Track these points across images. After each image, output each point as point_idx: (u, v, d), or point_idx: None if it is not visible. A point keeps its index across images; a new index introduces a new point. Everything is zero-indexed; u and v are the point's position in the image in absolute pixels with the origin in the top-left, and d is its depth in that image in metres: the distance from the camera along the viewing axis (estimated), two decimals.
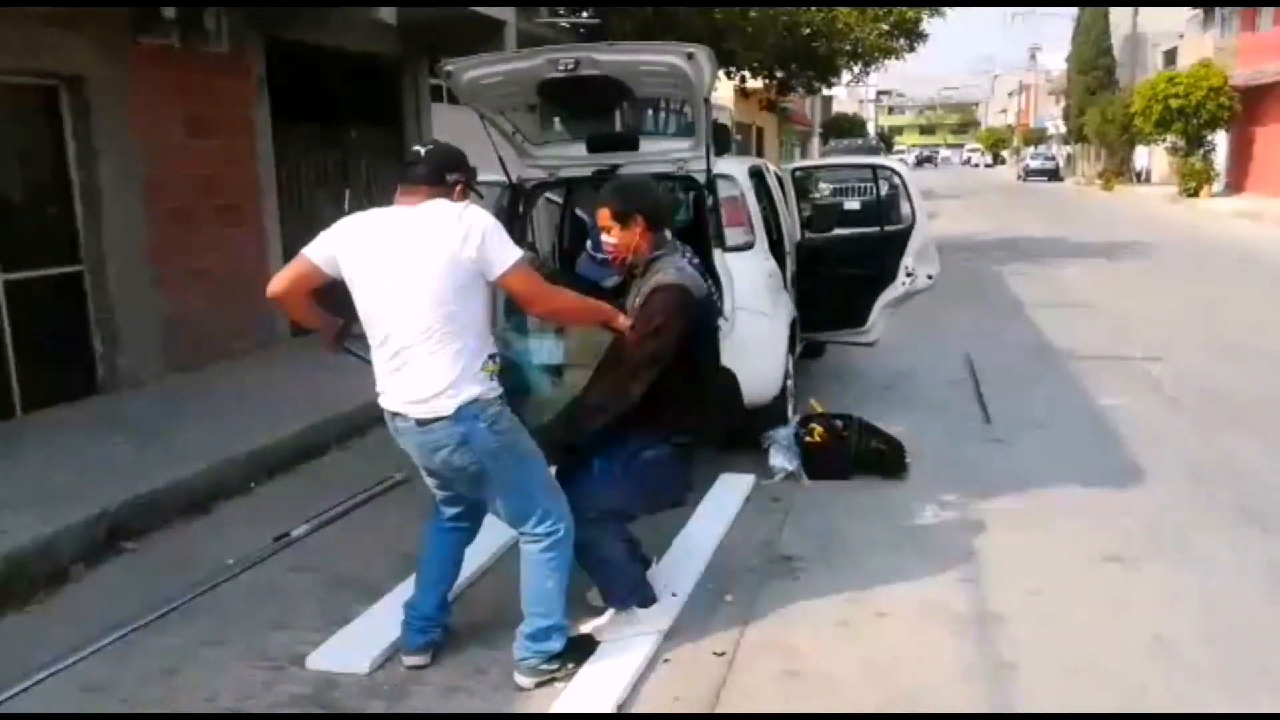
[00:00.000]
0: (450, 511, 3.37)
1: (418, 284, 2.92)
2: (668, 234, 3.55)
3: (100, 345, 6.71)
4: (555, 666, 3.20)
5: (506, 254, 2.97)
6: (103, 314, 6.70)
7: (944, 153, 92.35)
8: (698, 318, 3.38)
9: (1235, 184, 29.96)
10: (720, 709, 3.09)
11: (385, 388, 3.07)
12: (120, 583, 4.07)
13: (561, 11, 13.22)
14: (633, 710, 3.08)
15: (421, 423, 2.99)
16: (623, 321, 3.34)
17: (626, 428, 3.35)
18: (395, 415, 3.07)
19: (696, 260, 3.61)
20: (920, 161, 73.27)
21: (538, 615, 3.19)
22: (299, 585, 4.00)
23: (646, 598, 3.51)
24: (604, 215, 3.45)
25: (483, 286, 3.00)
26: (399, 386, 3.02)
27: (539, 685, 3.18)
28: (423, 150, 3.12)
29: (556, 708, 3.06)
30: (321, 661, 3.35)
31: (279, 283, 3.13)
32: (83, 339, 6.66)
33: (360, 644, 3.42)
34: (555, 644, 3.20)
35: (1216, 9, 32.58)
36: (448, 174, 3.09)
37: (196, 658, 3.42)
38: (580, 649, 3.30)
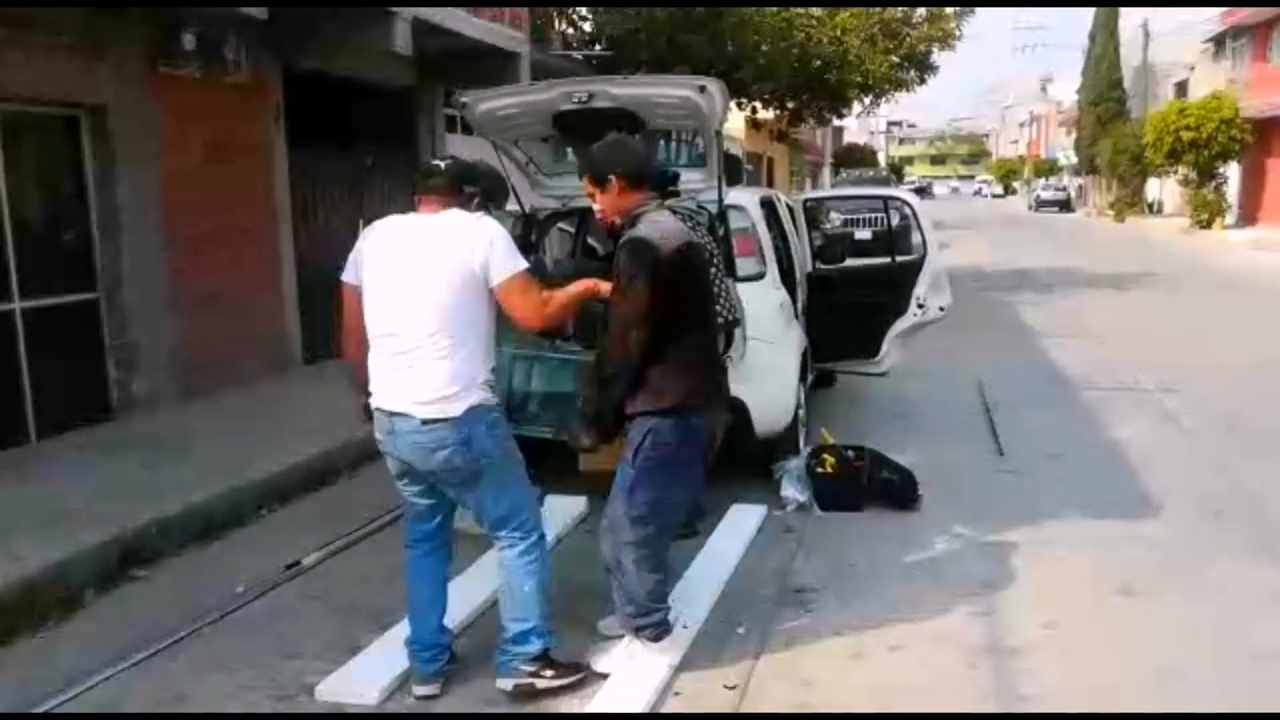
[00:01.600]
0: (423, 530, 3.36)
1: (431, 288, 3.02)
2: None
3: (115, 370, 6.76)
4: (534, 668, 3.24)
5: (511, 263, 3.07)
6: (118, 339, 6.75)
7: (953, 183, 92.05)
8: (666, 268, 3.17)
9: (1248, 215, 29.89)
10: None
11: (386, 388, 3.11)
12: (132, 608, 4.07)
13: (574, 45, 13.37)
14: None
15: (426, 422, 3.03)
16: (605, 287, 3.34)
17: (635, 402, 3.27)
18: (395, 415, 3.08)
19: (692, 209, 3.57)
20: (917, 192, 71.29)
21: (516, 620, 3.23)
22: (310, 613, 4.00)
23: (659, 633, 3.40)
24: (585, 182, 3.40)
25: (490, 295, 3.08)
26: (405, 386, 3.06)
27: (517, 688, 3.23)
28: (441, 164, 3.24)
29: None
30: (331, 691, 3.33)
31: (344, 318, 3.26)
32: (98, 364, 6.70)
33: (370, 674, 3.41)
34: (534, 647, 3.23)
35: (1228, 42, 32.68)
36: (465, 185, 3.23)
37: (206, 685, 3.41)
38: (569, 668, 3.32)
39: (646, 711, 3.17)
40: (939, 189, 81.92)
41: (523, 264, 3.11)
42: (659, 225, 3.28)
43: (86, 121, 6.58)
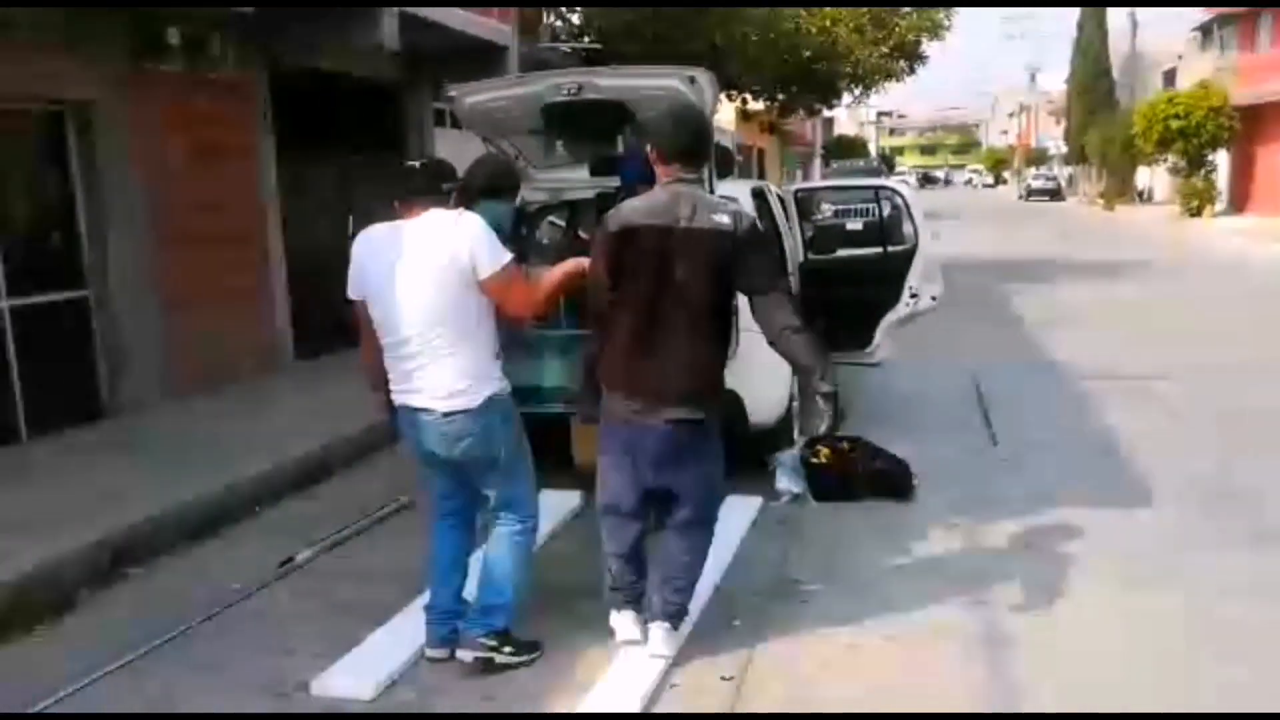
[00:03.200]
0: (449, 506, 3.54)
1: (431, 289, 3.16)
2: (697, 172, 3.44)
3: (105, 369, 6.72)
4: (495, 644, 3.38)
5: (496, 256, 3.19)
6: (108, 338, 6.71)
7: (940, 172, 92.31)
8: (611, 242, 3.28)
9: (1237, 203, 30.01)
10: None
11: (406, 387, 3.27)
12: (125, 608, 4.05)
13: (563, 38, 13.33)
14: None
15: (448, 415, 3.21)
16: (586, 263, 3.45)
17: None
18: (419, 411, 3.25)
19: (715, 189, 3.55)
20: (926, 182, 72.31)
21: (492, 591, 3.40)
22: (304, 610, 3.98)
23: (618, 604, 3.54)
24: None
25: (480, 289, 3.21)
26: (423, 384, 3.23)
27: (477, 660, 3.35)
28: (418, 164, 3.38)
29: None
30: (326, 687, 3.33)
31: (360, 328, 3.38)
32: (88, 363, 6.66)
33: (365, 670, 3.40)
34: (498, 621, 3.39)
35: (1215, 30, 32.76)
36: (443, 184, 3.35)
37: (200, 684, 3.40)
38: (527, 645, 3.47)
39: (641, 711, 3.16)
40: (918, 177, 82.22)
41: (507, 256, 3.21)
42: (639, 200, 3.34)
43: (72, 119, 6.53)
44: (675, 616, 3.50)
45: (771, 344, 3.38)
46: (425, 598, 3.57)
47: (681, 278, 3.24)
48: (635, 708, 3.14)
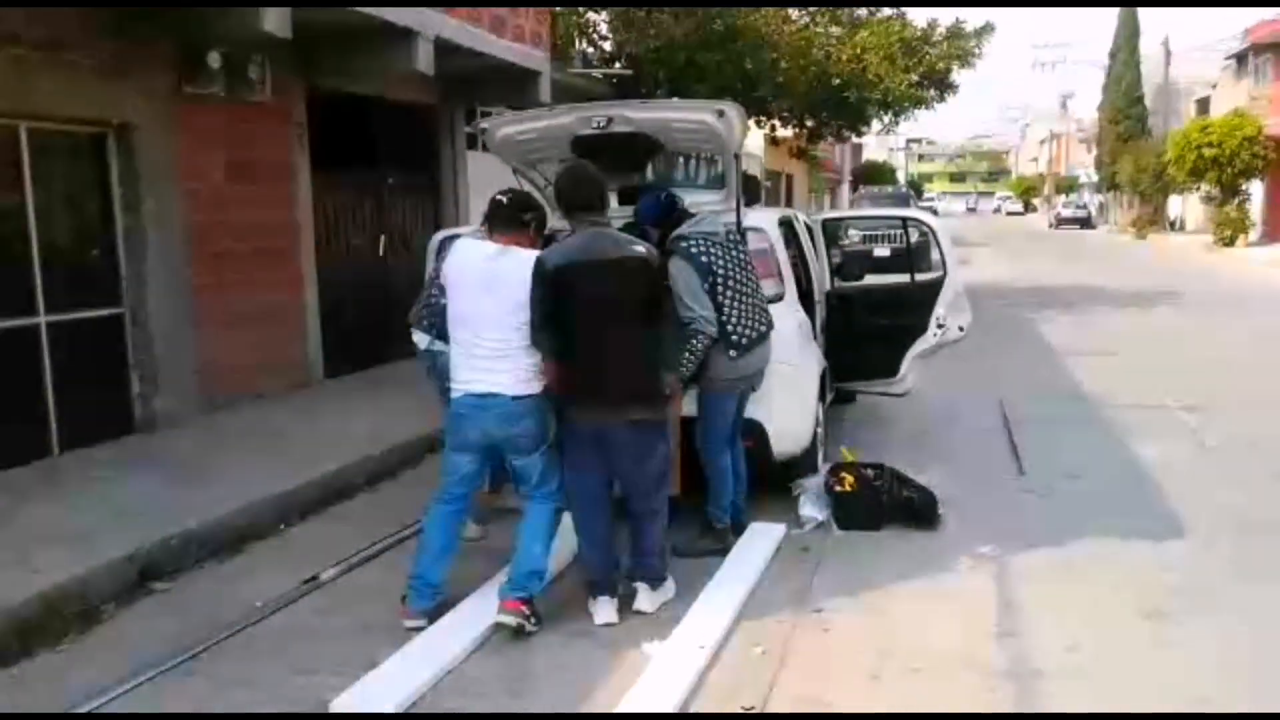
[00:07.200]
0: (458, 492, 4.02)
1: (513, 306, 3.81)
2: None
3: (138, 385, 6.81)
4: (528, 612, 3.83)
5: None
6: (141, 354, 6.80)
7: (970, 200, 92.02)
8: (547, 282, 3.79)
9: (1271, 233, 29.62)
10: None
11: (475, 377, 3.85)
12: (151, 623, 4.09)
13: (594, 64, 13.45)
14: None
15: (517, 398, 3.83)
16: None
17: None
18: (486, 396, 3.83)
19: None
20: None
21: (537, 556, 3.90)
22: (327, 628, 4.01)
23: (591, 590, 4.00)
24: None
25: None
26: (494, 375, 3.83)
27: (519, 627, 3.76)
28: (504, 198, 4.02)
29: None
30: (347, 705, 3.33)
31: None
32: (121, 379, 6.76)
33: (386, 689, 3.41)
34: (536, 586, 3.93)
35: (1250, 59, 32.49)
36: (524, 214, 3.98)
37: (225, 700, 3.42)
38: (539, 616, 3.90)
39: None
40: (955, 205, 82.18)
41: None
42: (559, 246, 3.94)
43: (113, 140, 6.66)
44: (653, 579, 4.08)
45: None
46: (414, 568, 3.97)
47: (620, 300, 3.87)
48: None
